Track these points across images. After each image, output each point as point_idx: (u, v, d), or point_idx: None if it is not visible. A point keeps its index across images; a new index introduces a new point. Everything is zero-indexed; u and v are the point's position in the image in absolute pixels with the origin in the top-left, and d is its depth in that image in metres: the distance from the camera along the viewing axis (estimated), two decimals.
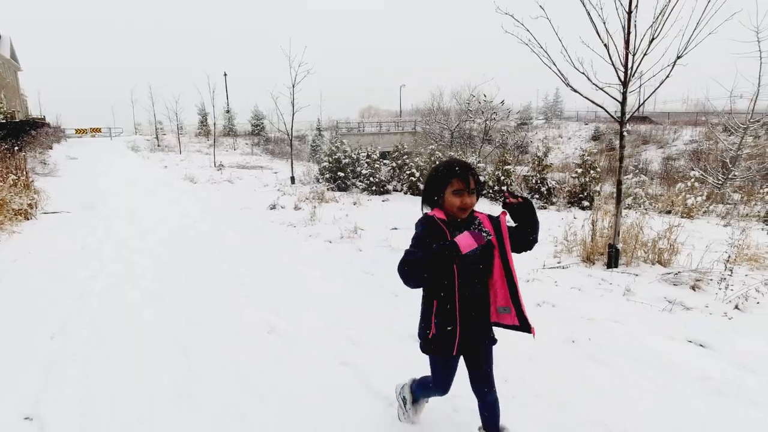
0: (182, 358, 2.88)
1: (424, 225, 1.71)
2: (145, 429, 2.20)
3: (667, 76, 4.29)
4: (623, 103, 4.62)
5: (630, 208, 10.82)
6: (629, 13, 4.32)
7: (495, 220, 1.77)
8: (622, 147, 4.93)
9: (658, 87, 4.40)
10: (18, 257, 5.23)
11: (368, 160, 12.40)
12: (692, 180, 9.87)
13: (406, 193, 11.88)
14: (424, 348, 1.83)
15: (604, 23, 4.39)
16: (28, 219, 7.52)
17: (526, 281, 4.50)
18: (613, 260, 4.85)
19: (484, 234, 1.61)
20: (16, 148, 12.30)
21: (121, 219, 7.79)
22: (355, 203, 9.94)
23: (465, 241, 1.56)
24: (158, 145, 29.78)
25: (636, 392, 2.54)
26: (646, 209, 10.31)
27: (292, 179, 13.00)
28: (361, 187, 11.98)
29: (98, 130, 37.33)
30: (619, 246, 4.92)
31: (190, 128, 41.12)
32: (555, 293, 4.18)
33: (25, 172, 10.00)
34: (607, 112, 5.55)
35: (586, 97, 4.77)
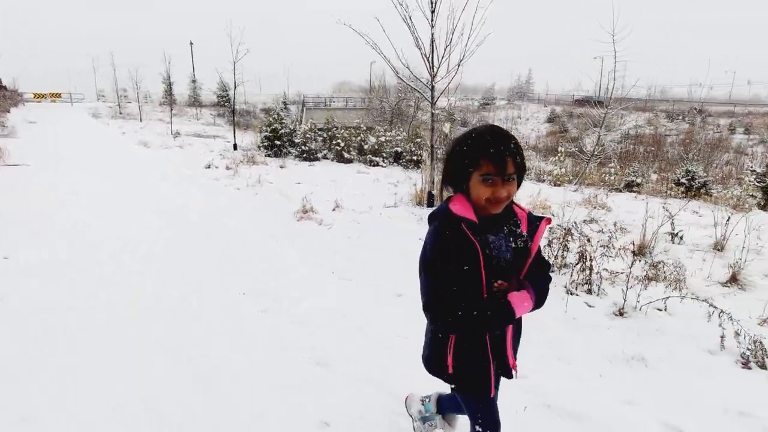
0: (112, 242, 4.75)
1: (440, 237, 1.26)
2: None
3: (456, 73, 6.28)
4: (432, 90, 6.59)
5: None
6: (432, 34, 6.24)
7: (533, 225, 1.37)
8: (432, 123, 6.91)
9: (452, 79, 6.38)
10: None
11: (310, 132, 14.16)
12: (560, 154, 12.11)
13: (333, 160, 13.76)
14: (443, 379, 1.47)
15: (418, 38, 6.31)
16: None
17: (380, 214, 6.47)
18: (428, 201, 6.92)
19: (520, 241, 1.33)
20: None
21: (72, 169, 9.40)
22: (281, 166, 11.76)
23: (522, 304, 1.29)
24: (120, 113, 30.50)
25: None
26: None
27: (235, 146, 14.68)
28: (294, 154, 13.79)
29: (58, 95, 37.41)
30: (434, 192, 6.98)
31: (156, 97, 41.50)
32: (376, 219, 6.19)
33: None
34: (423, 95, 7.50)
35: (408, 83, 6.71)
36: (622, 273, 3.58)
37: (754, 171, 9.90)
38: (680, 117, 45.45)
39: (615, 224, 5.55)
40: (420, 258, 1.30)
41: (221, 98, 44.26)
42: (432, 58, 6.36)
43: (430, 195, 6.93)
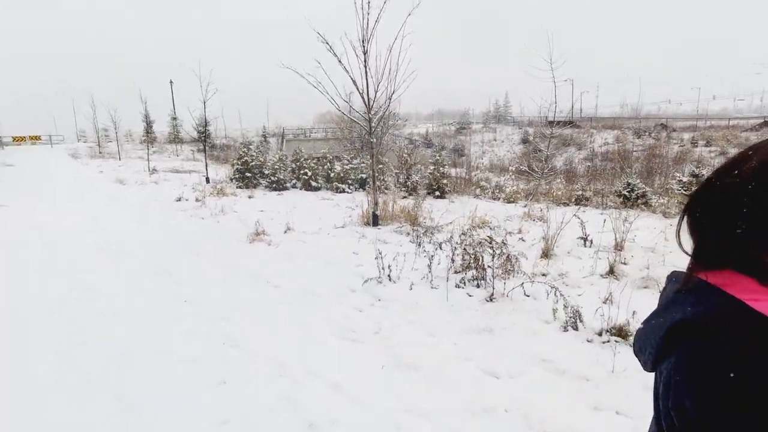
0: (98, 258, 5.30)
1: (737, 380, 0.49)
2: None
3: (388, 105, 7.10)
4: (369, 122, 7.39)
5: (477, 197, 13.91)
6: (366, 75, 7.09)
7: None
8: (372, 149, 7.68)
9: (385, 110, 7.20)
10: None
11: (278, 164, 14.92)
12: (511, 173, 13.01)
13: (301, 189, 14.47)
14: None
15: (353, 80, 7.16)
16: None
17: (328, 234, 7.11)
18: (373, 221, 7.60)
19: None
20: None
21: (44, 210, 9.92)
22: (249, 196, 12.41)
23: None
24: (99, 152, 31.08)
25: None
26: (480, 196, 13.40)
27: (207, 179, 15.33)
28: (264, 184, 14.48)
29: (38, 138, 37.88)
30: (378, 212, 7.68)
31: (137, 135, 42.25)
32: (321, 238, 6.84)
33: None
34: (361, 125, 8.32)
35: (349, 117, 7.51)
36: (498, 268, 4.26)
37: (680, 180, 10.85)
38: (647, 133, 47.45)
39: (507, 233, 6.28)
40: (694, 418, 0.52)
41: (201, 134, 44.88)
42: (367, 93, 7.19)
43: (374, 216, 7.63)
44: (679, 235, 0.63)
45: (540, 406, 2.43)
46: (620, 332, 3.03)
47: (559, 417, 2.33)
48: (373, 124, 7.39)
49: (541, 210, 10.10)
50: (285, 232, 7.13)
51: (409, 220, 7.78)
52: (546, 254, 5.63)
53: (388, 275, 4.37)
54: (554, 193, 12.87)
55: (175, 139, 41.85)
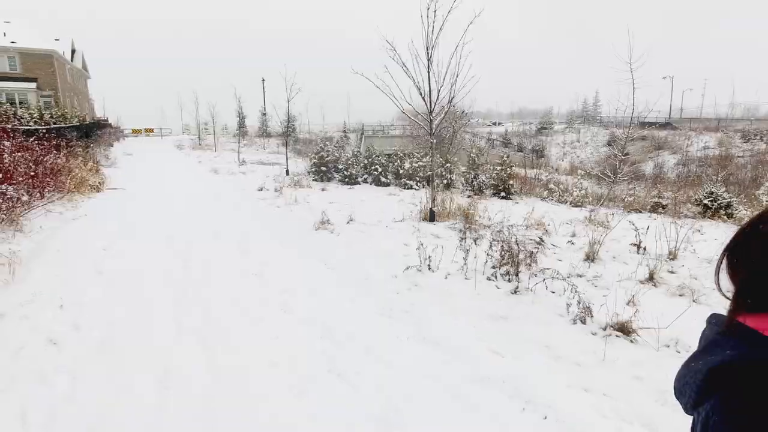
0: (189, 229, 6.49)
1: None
2: None
3: (447, 111, 7.53)
4: (431, 123, 7.87)
5: (544, 199, 13.79)
6: (429, 80, 7.58)
7: None
8: (432, 149, 8.14)
9: (446, 112, 7.63)
10: (99, 205, 9.11)
11: (352, 159, 15.92)
12: (578, 177, 12.71)
13: (371, 184, 15.28)
14: None
15: (418, 87, 7.69)
16: (99, 191, 11.54)
17: (386, 226, 7.78)
18: (429, 217, 8.10)
19: None
20: (90, 145, 16.71)
21: (159, 193, 11.68)
22: (323, 189, 13.46)
23: None
24: (199, 144, 34.61)
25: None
26: (547, 198, 13.29)
27: (287, 171, 16.72)
28: (338, 178, 15.52)
29: (151, 130, 42.90)
30: (435, 209, 8.16)
31: (231, 129, 46.39)
32: (378, 230, 7.49)
33: (95, 162, 14.25)
34: (424, 126, 8.75)
35: (413, 119, 8.05)
36: (525, 265, 4.57)
37: None
38: (757, 137, 42.26)
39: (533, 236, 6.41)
40: None
41: (285, 129, 47.89)
42: (429, 96, 7.69)
43: (431, 212, 8.13)
44: (718, 275, 0.63)
45: (532, 381, 2.83)
46: (622, 328, 3.29)
47: (546, 392, 2.73)
48: (434, 125, 7.88)
49: (606, 215, 9.91)
50: (347, 222, 7.89)
51: (465, 218, 8.17)
52: (589, 257, 5.77)
53: (428, 265, 4.88)
54: (626, 199, 12.38)
55: (264, 133, 45.19)
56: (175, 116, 51.23)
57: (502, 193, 13.58)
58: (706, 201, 11.40)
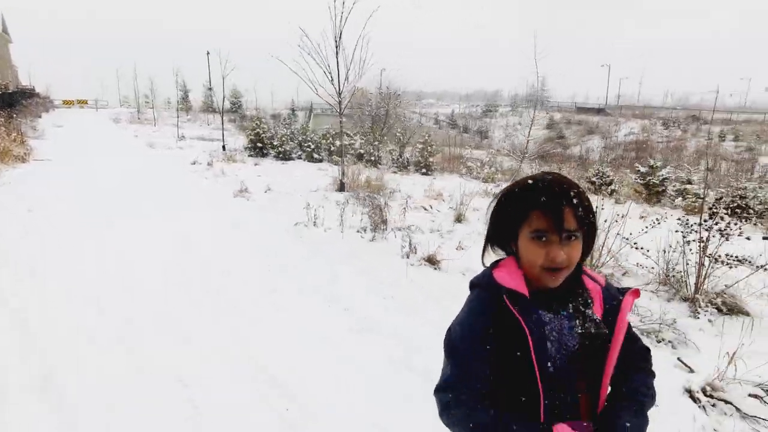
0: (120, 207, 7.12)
1: (472, 314, 0.98)
2: None
3: (353, 94, 8.50)
4: (340, 104, 8.83)
5: (462, 176, 15.13)
6: (338, 63, 8.50)
7: (612, 301, 1.00)
8: (340, 131, 9.13)
9: (352, 94, 8.60)
10: (24, 175, 9.43)
11: (285, 137, 16.63)
12: (493, 153, 14.18)
13: (305, 160, 16.12)
14: None
15: (329, 68, 8.58)
16: (24, 162, 11.66)
17: (300, 195, 8.69)
18: (339, 187, 9.14)
19: (590, 324, 0.95)
20: (14, 115, 16.32)
21: (88, 164, 11.95)
22: (256, 164, 14.14)
23: None
24: (138, 118, 33.61)
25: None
26: (465, 175, 14.65)
27: (223, 147, 17.18)
28: (272, 154, 16.21)
29: (85, 102, 40.88)
30: (345, 181, 9.20)
31: (174, 104, 44.97)
32: (290, 197, 8.41)
33: (20, 133, 14.12)
34: (332, 106, 9.72)
35: (323, 98, 8.98)
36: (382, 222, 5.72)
37: (638, 170, 11.80)
38: (675, 124, 46.32)
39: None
40: (445, 336, 0.98)
41: (233, 105, 47.26)
42: (339, 80, 8.63)
43: (341, 183, 9.17)
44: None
45: (347, 291, 3.93)
46: (430, 259, 4.49)
47: (352, 296, 3.81)
48: (342, 106, 8.85)
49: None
50: (265, 192, 8.77)
51: (371, 189, 9.26)
52: (458, 219, 7.02)
53: (314, 222, 5.92)
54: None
55: (208, 108, 44.24)
56: (113, 88, 48.82)
57: (423, 170, 14.84)
58: (593, 178, 13.17)
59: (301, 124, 31.48)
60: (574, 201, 0.90)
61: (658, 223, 4.42)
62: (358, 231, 5.66)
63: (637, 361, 1.01)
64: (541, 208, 0.90)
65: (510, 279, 0.95)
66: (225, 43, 20.41)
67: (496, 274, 0.97)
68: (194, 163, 13.15)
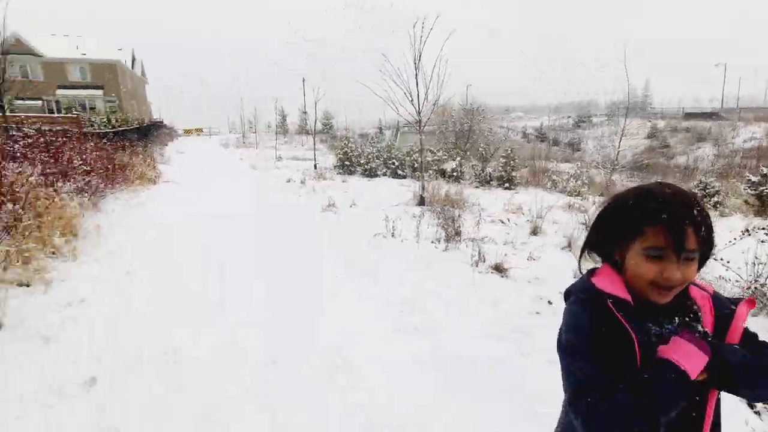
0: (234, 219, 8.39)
1: (582, 318, 0.93)
2: None
3: (433, 111, 8.98)
4: (419, 122, 9.32)
5: (547, 189, 14.81)
6: (417, 84, 9.05)
7: (724, 314, 0.94)
8: (421, 147, 9.60)
9: (431, 113, 9.08)
10: (155, 194, 11.28)
11: (371, 155, 17.64)
12: (577, 169, 13.66)
13: (389, 177, 16.89)
14: None
15: (409, 90, 9.17)
16: (155, 184, 13.84)
17: (382, 209, 9.36)
18: (419, 202, 9.58)
19: (698, 334, 0.89)
20: (148, 144, 19.33)
21: (204, 185, 13.82)
22: (343, 181, 15.18)
23: (689, 358, 0.83)
24: (243, 142, 37.45)
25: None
26: (551, 189, 14.33)
27: (315, 166, 18.61)
28: (359, 171, 17.22)
29: (201, 130, 46.50)
30: (425, 195, 9.62)
31: (273, 127, 49.44)
32: (372, 212, 9.05)
33: (152, 159, 16.71)
34: (414, 125, 10.16)
35: (405, 118, 9.56)
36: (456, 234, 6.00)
37: (750, 180, 10.66)
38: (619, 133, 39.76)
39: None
40: (557, 348, 0.97)
41: (325, 126, 50.47)
42: (419, 99, 9.17)
43: (421, 197, 9.62)
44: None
45: (416, 296, 4.31)
46: (497, 267, 4.70)
47: (420, 300, 4.19)
48: (422, 124, 9.36)
49: (593, 203, 10.98)
50: (350, 206, 9.52)
51: (450, 203, 9.59)
52: (533, 232, 7.08)
53: (392, 233, 6.42)
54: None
55: (302, 130, 47.78)
56: (223, 116, 55.11)
57: (506, 184, 14.77)
58: (695, 190, 12.12)
59: (387, 142, 32.81)
60: (697, 219, 0.86)
61: (748, 234, 4.23)
62: (432, 241, 6.05)
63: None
64: (660, 225, 0.86)
65: (612, 287, 0.93)
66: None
67: (596, 281, 0.96)
68: (289, 181, 14.53)
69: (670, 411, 0.83)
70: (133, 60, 40.94)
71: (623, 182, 14.74)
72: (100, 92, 32.84)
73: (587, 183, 14.30)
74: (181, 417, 2.60)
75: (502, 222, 7.93)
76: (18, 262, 4.61)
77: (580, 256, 1.04)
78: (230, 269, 5.26)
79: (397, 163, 16.73)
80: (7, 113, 12.20)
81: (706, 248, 0.90)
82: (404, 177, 16.80)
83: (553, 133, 53.47)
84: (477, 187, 15.01)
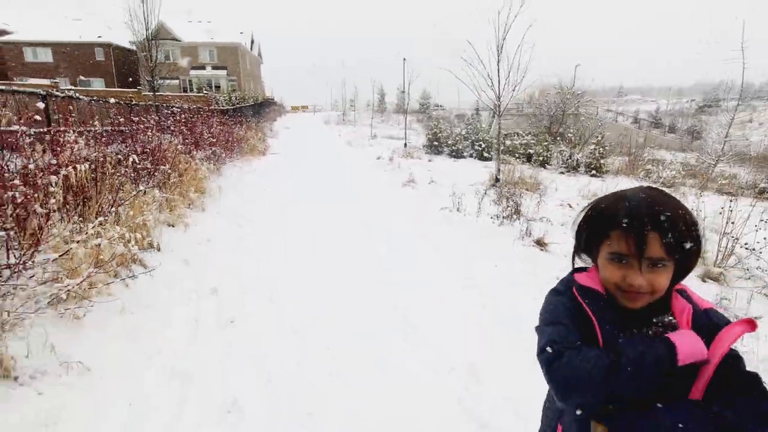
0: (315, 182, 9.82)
1: (555, 302, 1.00)
2: None
3: (512, 96, 9.34)
4: (498, 107, 9.71)
5: (640, 179, 14.18)
6: (498, 70, 9.42)
7: (708, 329, 0.87)
8: (499, 130, 9.98)
9: (510, 98, 9.44)
10: (263, 164, 13.15)
11: (458, 136, 18.12)
12: (672, 158, 12.83)
13: (475, 158, 17.24)
14: None
15: (489, 75, 9.58)
16: (264, 155, 15.90)
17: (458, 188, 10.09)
18: (494, 182, 10.06)
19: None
20: (260, 120, 21.82)
21: (303, 158, 15.57)
22: (430, 160, 15.95)
23: (688, 347, 0.83)
24: (343, 120, 39.70)
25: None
26: (645, 179, 13.76)
27: (405, 145, 19.57)
28: (446, 152, 17.82)
29: (306, 107, 49.91)
30: (500, 177, 10.06)
31: (372, 106, 51.40)
32: (448, 190, 9.78)
33: (263, 134, 18.99)
34: (493, 109, 10.44)
35: (484, 101, 9.99)
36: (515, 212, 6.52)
37: None
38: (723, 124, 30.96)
39: None
40: (536, 329, 1.01)
41: (422, 105, 51.06)
42: (499, 86, 9.57)
43: (496, 178, 10.10)
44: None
45: (469, 262, 5.06)
46: (538, 242, 5.23)
47: (475, 266, 4.93)
48: (501, 108, 9.75)
49: (683, 194, 10.52)
50: (429, 183, 10.33)
51: (523, 186, 9.93)
52: None
53: (458, 208, 7.14)
54: (721, 183, 12.25)
55: (400, 109, 48.92)
56: (327, 94, 58.44)
57: (593, 171, 14.38)
58: None
59: (487, 123, 32.60)
60: (664, 226, 0.84)
61: None
62: (491, 217, 6.67)
63: (738, 386, 0.82)
64: (621, 230, 0.87)
65: (589, 281, 0.97)
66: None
67: (578, 277, 1.01)
68: (378, 158, 15.68)
69: (646, 382, 0.81)
70: (252, 42, 45.10)
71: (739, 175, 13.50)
72: (224, 72, 37.05)
73: (683, 174, 13.39)
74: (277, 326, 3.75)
75: (570, 206, 8.19)
76: (167, 209, 6.23)
77: (573, 258, 1.06)
78: (315, 228, 6.47)
79: (483, 146, 17.03)
80: (158, 92, 14.84)
81: (685, 257, 0.87)
82: (489, 159, 17.05)
83: (670, 119, 48.19)
84: (562, 173, 14.82)
